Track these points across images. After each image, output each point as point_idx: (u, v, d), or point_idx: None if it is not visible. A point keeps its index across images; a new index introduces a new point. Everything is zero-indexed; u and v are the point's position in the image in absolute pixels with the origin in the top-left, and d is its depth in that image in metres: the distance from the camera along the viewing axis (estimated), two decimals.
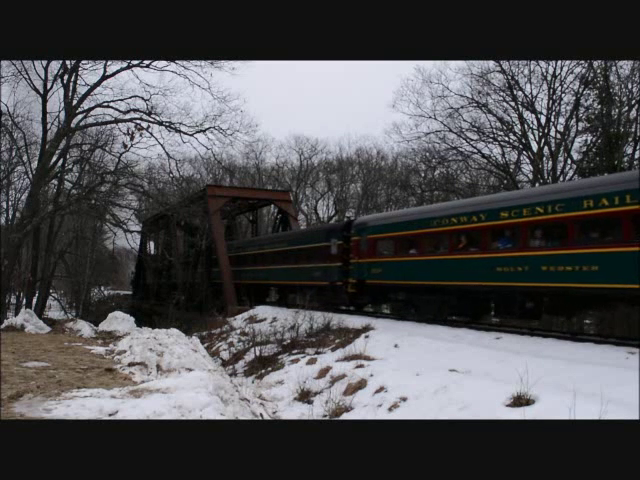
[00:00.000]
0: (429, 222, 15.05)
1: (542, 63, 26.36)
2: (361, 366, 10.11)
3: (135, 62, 23.47)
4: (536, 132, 28.08)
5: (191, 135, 24.65)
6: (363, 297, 18.38)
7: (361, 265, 17.69)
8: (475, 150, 30.07)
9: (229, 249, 30.83)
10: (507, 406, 6.60)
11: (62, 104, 24.41)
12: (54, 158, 24.66)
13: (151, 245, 45.80)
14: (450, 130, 30.25)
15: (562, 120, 27.50)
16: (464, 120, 29.67)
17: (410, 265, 15.62)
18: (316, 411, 8.46)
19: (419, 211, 17.39)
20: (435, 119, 30.21)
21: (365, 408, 8.09)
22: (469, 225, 13.75)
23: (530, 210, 12.16)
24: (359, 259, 17.84)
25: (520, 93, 27.84)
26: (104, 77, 24.20)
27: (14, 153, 28.72)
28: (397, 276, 16.13)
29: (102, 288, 46.61)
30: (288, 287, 24.72)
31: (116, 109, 24.47)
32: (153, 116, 24.00)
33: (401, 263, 16.04)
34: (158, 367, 9.34)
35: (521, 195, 13.50)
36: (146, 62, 23.60)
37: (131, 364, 9.42)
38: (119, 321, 18.14)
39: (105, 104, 24.54)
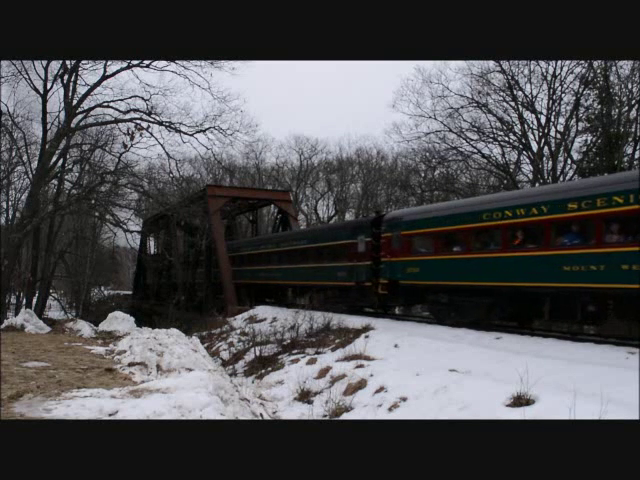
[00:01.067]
0: (478, 216, 13.44)
1: (542, 63, 26.39)
2: (361, 366, 10.11)
3: (135, 62, 23.48)
4: (536, 132, 28.12)
5: (191, 135, 24.66)
6: (396, 299, 16.99)
7: (394, 264, 16.21)
8: (475, 150, 30.13)
9: (237, 248, 30.00)
10: (507, 406, 6.60)
11: (62, 104, 24.45)
12: (54, 158, 24.66)
13: (151, 245, 45.80)
14: (450, 130, 30.29)
15: (562, 120, 27.58)
16: (464, 120, 29.74)
17: (454, 264, 14.14)
18: (316, 411, 8.46)
19: (466, 204, 15.56)
20: (435, 119, 30.28)
21: (365, 408, 8.09)
22: (527, 219, 12.18)
23: (606, 200, 10.63)
24: (391, 257, 16.37)
25: (520, 93, 27.89)
26: (104, 77, 24.23)
27: (14, 153, 28.76)
28: (438, 276, 14.64)
29: (102, 288, 46.61)
30: (307, 288, 23.00)
31: (116, 109, 24.52)
32: (153, 116, 24.03)
33: (443, 262, 14.53)
34: (158, 367, 9.34)
35: (595, 183, 11.70)
36: (146, 62, 23.61)
37: (131, 364, 9.41)
38: (119, 321, 18.14)
39: (105, 104, 24.56)
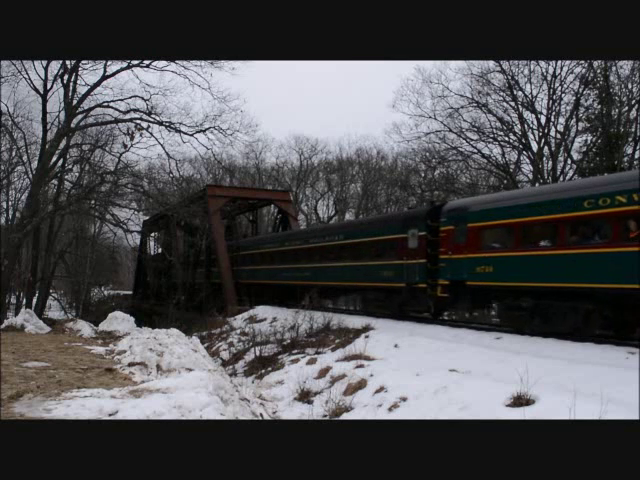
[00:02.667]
0: (576, 203, 11.31)
1: (542, 63, 26.41)
2: (361, 366, 10.11)
3: (135, 62, 23.48)
4: (536, 132, 28.15)
5: (191, 135, 24.66)
6: (459, 302, 14.68)
7: (458, 262, 13.92)
8: (475, 150, 30.14)
9: (253, 245, 28.21)
10: (507, 406, 6.60)
11: (62, 104, 24.44)
12: (54, 158, 24.66)
13: (151, 245, 45.82)
14: (450, 130, 30.30)
15: (562, 120, 27.61)
16: (464, 120, 29.76)
17: (541, 261, 11.93)
18: (316, 411, 8.46)
19: (558, 189, 13.27)
20: (435, 119, 30.29)
21: (365, 408, 8.09)
22: None
23: None
24: (454, 254, 14.11)
25: (520, 93, 27.91)
26: (104, 77, 24.22)
27: (14, 153, 28.78)
28: (519, 276, 12.40)
29: (102, 288, 46.59)
30: (341, 289, 20.72)
31: (116, 109, 24.51)
32: (153, 116, 24.02)
33: (526, 259, 12.26)
34: (158, 367, 9.34)
35: None
36: (146, 62, 23.60)
37: (131, 364, 9.41)
38: (119, 321, 18.15)
39: (105, 104, 24.56)
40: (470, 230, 13.74)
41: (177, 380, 7.11)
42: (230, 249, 28.75)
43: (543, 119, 27.77)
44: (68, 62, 23.40)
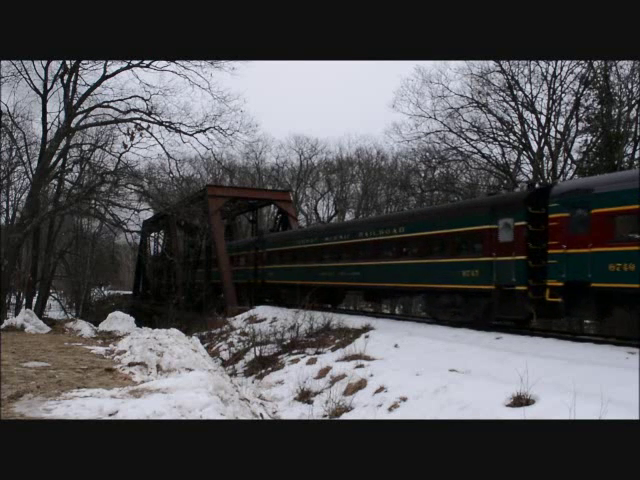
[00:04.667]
0: None
1: (542, 63, 26.40)
2: (361, 366, 10.11)
3: (135, 62, 23.48)
4: (536, 132, 28.14)
5: (191, 135, 24.65)
6: (578, 309, 11.79)
7: (578, 258, 11.25)
8: (475, 150, 30.14)
9: (280, 240, 24.96)
10: (507, 406, 6.61)
11: (62, 104, 24.45)
12: (54, 158, 24.65)
13: (151, 245, 45.82)
14: (450, 130, 30.30)
15: (562, 120, 27.60)
16: (464, 120, 29.75)
17: None
18: (316, 411, 8.47)
19: None
20: (435, 119, 30.29)
21: (365, 408, 8.09)
22: None
23: None
24: (570, 248, 11.44)
25: (520, 93, 27.90)
26: (104, 77, 24.22)
27: (14, 153, 28.75)
28: None
29: (102, 288, 46.59)
30: (398, 291, 17.98)
31: (116, 109, 24.52)
32: (153, 116, 24.02)
33: None
34: (158, 367, 9.34)
35: None
36: (146, 62, 23.60)
37: (131, 364, 9.41)
38: (119, 321, 18.17)
39: (105, 104, 24.57)
40: (597, 218, 11.05)
41: (177, 380, 7.11)
42: (253, 246, 26.54)
43: (543, 119, 27.79)
44: (68, 62, 23.40)
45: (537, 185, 15.19)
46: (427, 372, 8.86)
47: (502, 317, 13.69)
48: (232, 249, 29.58)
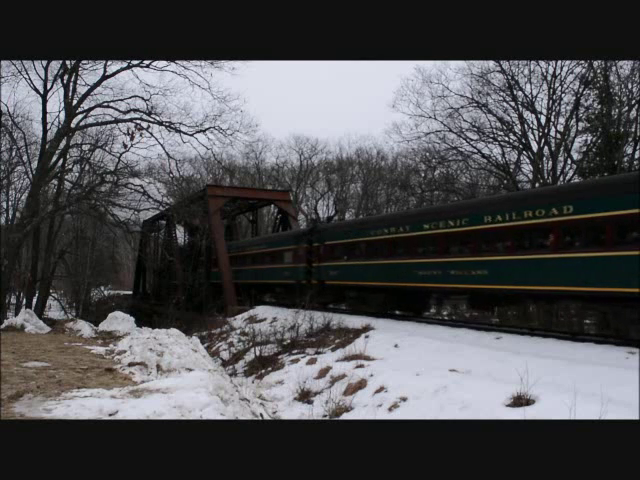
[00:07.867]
0: None
1: (542, 63, 26.40)
2: (361, 366, 10.11)
3: (135, 62, 23.51)
4: (536, 132, 28.13)
5: (191, 135, 24.67)
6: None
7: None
8: (475, 150, 30.12)
9: (337, 233, 20.32)
10: (507, 406, 6.60)
11: (62, 104, 24.48)
12: (54, 158, 24.68)
13: (151, 245, 45.81)
14: (450, 130, 30.29)
15: (562, 120, 27.58)
16: (464, 120, 29.74)
17: None
18: (316, 411, 8.46)
19: None
20: (435, 119, 30.28)
21: (365, 408, 8.09)
22: None
23: None
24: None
25: (520, 93, 27.89)
26: (104, 77, 24.25)
27: (14, 153, 28.74)
28: None
29: (102, 288, 46.59)
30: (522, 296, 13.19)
31: (116, 109, 24.53)
32: (153, 116, 24.04)
33: None
34: (158, 367, 9.34)
35: None
36: (146, 62, 23.64)
37: (131, 364, 9.41)
38: (119, 321, 18.15)
39: (105, 104, 24.58)
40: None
41: (177, 380, 7.11)
42: (303, 239, 22.20)
43: (543, 119, 27.79)
44: (68, 62, 23.44)
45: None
46: (427, 372, 8.86)
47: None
48: (270, 243, 26.57)
